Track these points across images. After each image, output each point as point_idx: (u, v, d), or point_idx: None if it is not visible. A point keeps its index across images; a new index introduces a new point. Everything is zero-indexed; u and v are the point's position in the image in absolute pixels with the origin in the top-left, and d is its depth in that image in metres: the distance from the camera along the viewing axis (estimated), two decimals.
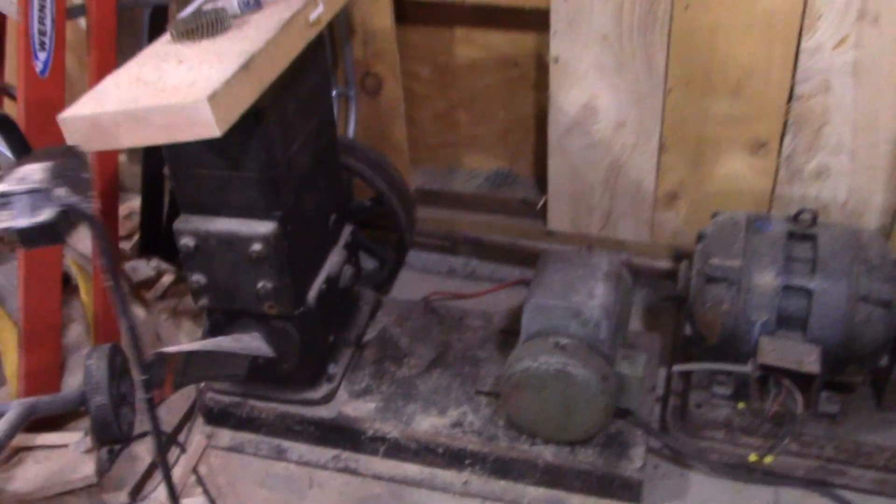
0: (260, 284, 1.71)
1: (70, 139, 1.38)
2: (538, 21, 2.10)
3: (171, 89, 1.36)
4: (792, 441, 1.76)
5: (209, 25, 1.54)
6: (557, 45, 2.04)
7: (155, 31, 2.03)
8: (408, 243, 2.21)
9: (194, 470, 1.90)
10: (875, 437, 1.79)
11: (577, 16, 1.99)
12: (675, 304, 2.27)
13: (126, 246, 2.54)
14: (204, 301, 1.78)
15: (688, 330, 1.86)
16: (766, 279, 1.74)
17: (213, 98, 1.31)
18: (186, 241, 1.70)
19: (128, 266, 2.49)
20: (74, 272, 2.14)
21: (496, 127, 2.39)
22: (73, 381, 2.13)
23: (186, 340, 2.26)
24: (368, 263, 2.40)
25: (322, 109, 1.86)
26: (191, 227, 1.69)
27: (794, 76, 1.92)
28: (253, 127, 1.57)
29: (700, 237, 1.87)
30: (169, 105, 1.32)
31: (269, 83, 1.50)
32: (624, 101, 2.07)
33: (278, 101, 1.61)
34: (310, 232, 1.83)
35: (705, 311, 1.79)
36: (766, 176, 2.08)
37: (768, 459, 1.76)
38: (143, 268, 2.48)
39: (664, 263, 2.27)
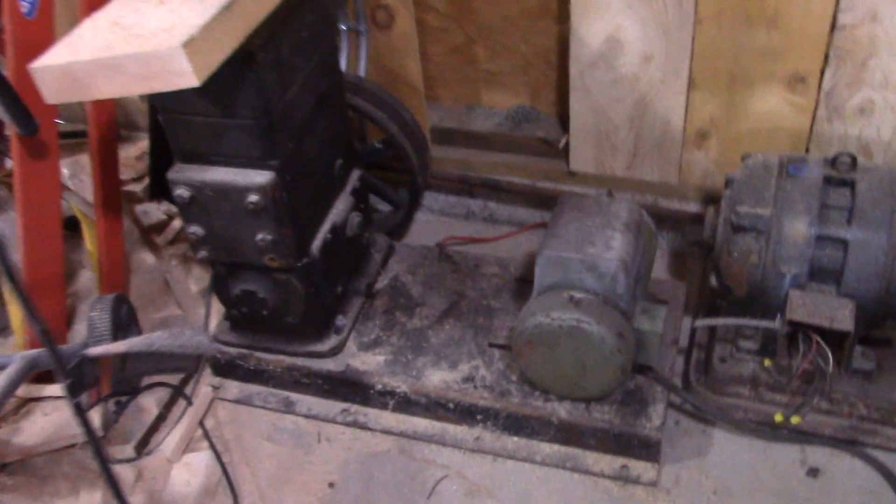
0: (259, 237, 1.64)
1: (45, 90, 1.30)
2: None
3: (148, 35, 1.26)
4: (822, 399, 1.66)
5: None
6: None
7: None
8: (422, 186, 2.11)
9: (201, 423, 1.86)
10: None
11: None
12: (703, 251, 2.15)
13: (137, 188, 2.48)
14: (203, 253, 1.71)
15: (713, 281, 1.75)
16: (799, 229, 1.61)
17: (190, 44, 1.21)
18: (181, 192, 1.62)
19: (138, 209, 2.43)
20: (80, 219, 2.09)
21: (516, 61, 2.26)
22: (82, 330, 2.10)
23: (196, 287, 2.21)
24: (383, 206, 2.31)
25: (323, 47, 1.74)
26: (185, 177, 1.61)
27: (837, 4, 1.75)
28: (244, 71, 1.47)
29: (728, 182, 1.74)
30: (143, 53, 1.22)
31: (256, 24, 1.39)
32: (651, 33, 1.92)
33: (271, 42, 1.50)
34: (312, 179, 1.74)
35: (732, 263, 1.68)
36: (804, 113, 1.93)
37: (795, 419, 1.67)
38: (154, 211, 2.41)
39: (692, 206, 2.14)
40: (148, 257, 2.27)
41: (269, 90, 1.52)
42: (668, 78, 1.97)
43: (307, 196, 1.72)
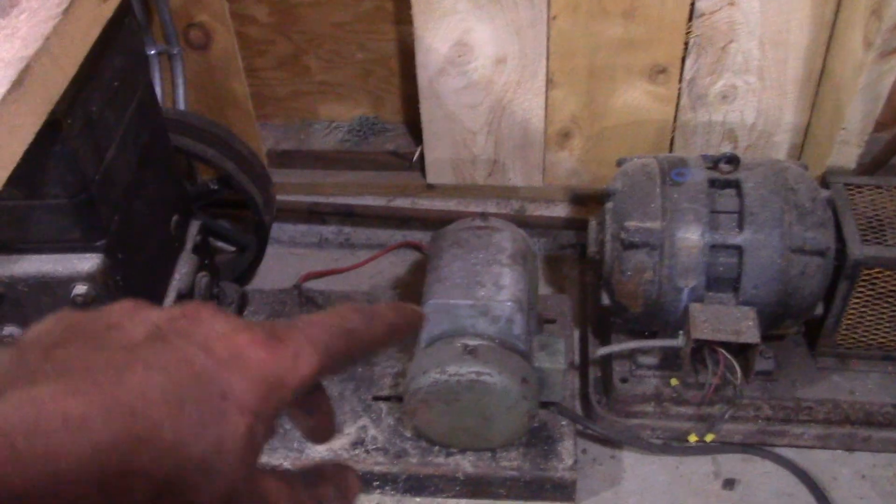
0: None
1: None
2: None
3: None
4: (732, 410, 1.60)
5: None
6: None
7: None
8: (269, 224, 1.87)
9: None
10: (813, 390, 1.65)
11: None
12: (577, 253, 2.05)
13: None
14: None
15: (605, 300, 1.64)
16: (692, 239, 1.52)
17: None
18: None
19: None
20: None
21: (354, 70, 2.04)
22: None
23: None
24: (222, 245, 2.06)
25: (139, 92, 1.47)
26: None
27: None
28: (49, 145, 1.19)
29: (610, 194, 1.62)
30: None
31: (59, 92, 1.12)
32: (502, 33, 1.76)
33: (77, 103, 1.23)
34: (148, 248, 1.48)
35: (625, 281, 1.57)
36: (668, 103, 1.84)
37: (709, 437, 1.59)
38: None
39: (561, 209, 2.03)
40: None
41: (82, 161, 1.24)
42: (524, 79, 1.83)
43: (144, 270, 1.46)
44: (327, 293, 1.88)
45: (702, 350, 1.53)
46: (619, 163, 1.68)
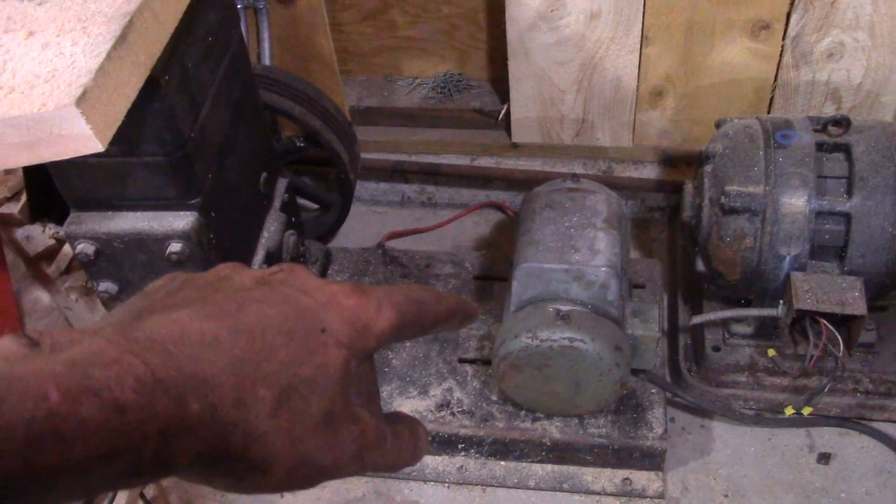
0: None
1: None
2: None
3: (24, 87, 0.96)
4: (833, 383, 1.54)
5: None
6: None
7: None
8: (354, 183, 1.85)
9: (141, 494, 1.60)
10: None
11: None
12: (667, 216, 1.99)
13: (13, 209, 2.12)
14: None
15: (700, 266, 1.59)
16: (797, 205, 1.45)
17: (85, 99, 0.92)
18: (84, 248, 1.32)
19: (18, 234, 2.08)
20: None
21: (439, 24, 2.00)
22: None
23: None
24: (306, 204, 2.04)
25: (232, 47, 1.45)
26: (86, 230, 1.32)
27: None
28: (147, 102, 1.18)
29: (708, 156, 1.56)
30: (23, 117, 0.92)
31: (160, 49, 1.10)
32: None
33: (174, 59, 1.21)
34: (238, 206, 1.47)
35: (723, 247, 1.51)
36: (769, 61, 1.76)
37: (807, 411, 1.54)
38: (39, 236, 2.07)
39: (649, 170, 1.96)
40: (42, 295, 1.95)
41: (179, 119, 1.23)
42: (617, 35, 1.76)
43: (235, 228, 1.45)
44: (411, 253, 1.86)
45: (802, 320, 1.47)
46: (718, 124, 1.61)
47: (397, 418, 0.47)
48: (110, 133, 0.97)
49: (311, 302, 0.41)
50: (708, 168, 1.55)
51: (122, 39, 1.00)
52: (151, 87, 1.16)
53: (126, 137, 1.22)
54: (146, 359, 0.34)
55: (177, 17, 1.14)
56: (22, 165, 0.98)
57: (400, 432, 0.46)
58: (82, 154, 0.95)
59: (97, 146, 0.94)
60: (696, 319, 1.57)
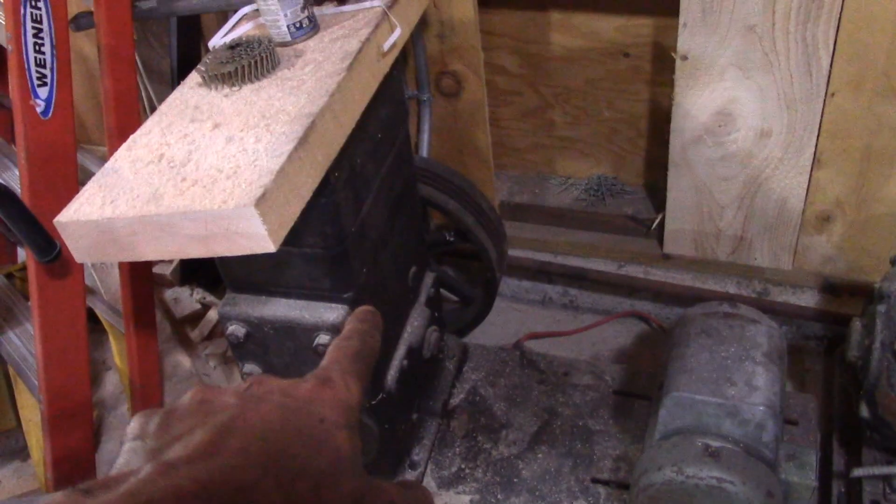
0: None
1: (74, 248, 1.02)
2: (655, 3, 1.67)
3: (207, 181, 0.98)
4: None
5: (252, 67, 1.15)
6: (688, 40, 1.61)
7: (185, 44, 1.64)
8: (498, 280, 1.83)
9: None
10: None
11: (714, 3, 1.55)
12: (824, 347, 1.87)
13: (165, 270, 2.20)
14: None
15: (864, 412, 1.47)
16: None
17: (265, 199, 0.93)
18: (235, 330, 1.34)
19: (168, 294, 2.15)
20: (106, 329, 1.81)
21: (599, 127, 1.97)
22: (112, 449, 1.84)
23: None
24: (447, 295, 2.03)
25: (397, 141, 1.46)
26: (240, 312, 1.33)
27: None
28: (315, 197, 1.19)
29: (882, 296, 1.45)
30: (202, 211, 0.94)
31: (335, 153, 1.11)
32: (771, 106, 1.64)
33: (345, 158, 1.22)
34: (387, 300, 1.46)
35: (895, 396, 1.40)
36: None
37: None
38: (186, 299, 2.13)
39: (808, 296, 1.86)
40: (184, 360, 1.99)
41: (343, 215, 1.24)
42: (787, 156, 1.69)
43: (382, 322, 1.44)
44: (549, 357, 1.81)
45: None
46: (895, 261, 1.51)
47: (408, 485, 0.49)
48: (283, 234, 0.97)
49: (297, 402, 0.44)
50: (881, 308, 1.44)
51: (303, 141, 1.01)
52: (322, 184, 1.17)
53: (291, 229, 1.24)
54: (195, 477, 0.37)
55: (355, 118, 1.15)
56: (194, 257, 0.99)
57: (417, 497, 0.48)
58: (254, 252, 0.96)
59: (269, 247, 0.95)
60: (858, 472, 1.45)
